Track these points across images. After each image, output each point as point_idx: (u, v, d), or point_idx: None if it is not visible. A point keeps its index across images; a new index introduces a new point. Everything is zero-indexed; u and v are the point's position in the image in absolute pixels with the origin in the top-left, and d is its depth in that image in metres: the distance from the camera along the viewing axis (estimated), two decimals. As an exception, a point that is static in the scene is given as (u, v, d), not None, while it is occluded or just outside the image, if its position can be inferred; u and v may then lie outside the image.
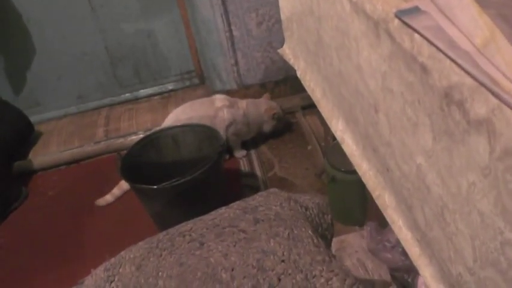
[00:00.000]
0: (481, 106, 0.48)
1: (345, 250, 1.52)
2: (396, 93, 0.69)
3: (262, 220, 0.99)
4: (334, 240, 1.53)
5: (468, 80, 0.49)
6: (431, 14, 0.59)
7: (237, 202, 1.08)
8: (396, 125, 0.72)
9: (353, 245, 1.53)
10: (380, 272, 1.40)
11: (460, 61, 0.50)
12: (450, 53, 0.52)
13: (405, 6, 0.63)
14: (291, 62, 1.38)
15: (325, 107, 1.16)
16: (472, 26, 0.53)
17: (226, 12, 2.09)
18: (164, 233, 1.04)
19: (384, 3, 0.67)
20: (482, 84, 0.47)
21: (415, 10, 0.61)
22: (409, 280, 1.18)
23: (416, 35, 0.59)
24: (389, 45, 0.67)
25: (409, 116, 0.66)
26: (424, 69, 0.58)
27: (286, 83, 2.30)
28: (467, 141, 0.52)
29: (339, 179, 1.51)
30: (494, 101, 0.46)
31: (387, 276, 1.35)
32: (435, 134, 0.60)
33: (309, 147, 2.04)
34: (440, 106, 0.56)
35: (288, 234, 0.94)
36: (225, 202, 1.08)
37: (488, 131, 0.47)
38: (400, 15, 0.62)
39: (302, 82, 1.30)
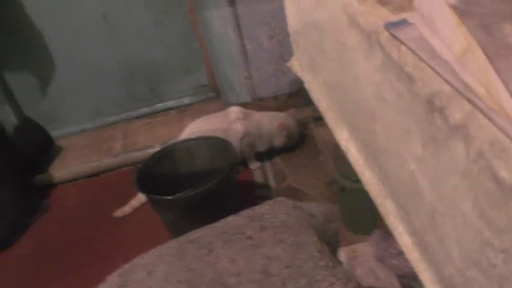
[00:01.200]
0: (457, 112, 0.51)
1: (357, 259, 1.53)
2: (389, 102, 0.71)
3: (268, 227, 1.02)
4: (346, 249, 1.55)
5: (446, 88, 0.52)
6: (417, 26, 0.62)
7: (245, 210, 1.11)
8: (391, 133, 0.75)
9: (364, 254, 1.54)
10: (391, 281, 1.41)
11: (439, 70, 0.53)
12: (431, 63, 0.55)
13: (393, 18, 0.66)
14: (299, 74, 1.41)
15: (330, 118, 1.19)
16: (452, 36, 0.56)
17: (238, 26, 2.14)
18: (174, 240, 1.08)
19: (375, 16, 0.70)
20: (457, 90, 0.50)
21: (403, 22, 0.64)
22: (416, 287, 1.19)
23: (403, 46, 0.62)
24: (380, 56, 0.70)
25: (401, 124, 0.69)
26: (410, 78, 0.61)
27: (299, 95, 2.33)
28: (449, 146, 0.55)
29: (349, 188, 1.53)
30: (468, 106, 0.49)
31: (398, 285, 1.36)
32: (424, 141, 0.63)
33: (321, 158, 2.07)
34: (425, 113, 0.59)
35: (293, 240, 0.97)
36: (238, 212, 1.11)
37: (464, 136, 0.50)
38: (388, 27, 0.65)
39: (309, 94, 1.34)
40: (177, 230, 1.68)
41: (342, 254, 1.50)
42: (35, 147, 2.37)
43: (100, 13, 2.37)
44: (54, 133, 2.54)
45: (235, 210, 1.15)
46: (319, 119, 2.22)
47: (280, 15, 2.09)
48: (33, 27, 2.35)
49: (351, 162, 1.10)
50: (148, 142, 2.41)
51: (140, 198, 1.99)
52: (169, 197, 1.57)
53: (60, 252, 1.88)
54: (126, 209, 2.00)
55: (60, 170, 2.33)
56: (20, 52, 2.41)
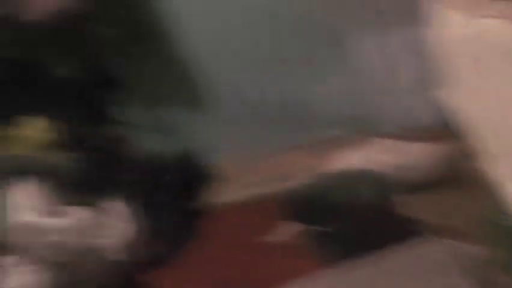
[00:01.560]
0: None
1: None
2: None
3: (417, 265, 1.00)
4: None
5: None
6: None
7: (395, 246, 1.11)
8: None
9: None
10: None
11: None
12: None
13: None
14: (450, 104, 1.37)
15: (484, 150, 1.14)
16: None
17: (384, 54, 2.10)
18: (325, 271, 1.11)
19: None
20: None
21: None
22: None
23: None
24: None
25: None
26: None
27: (452, 126, 2.22)
28: None
29: (507, 227, 1.42)
30: None
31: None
32: None
33: (476, 194, 1.95)
34: None
35: (442, 281, 0.94)
36: (389, 247, 1.11)
37: None
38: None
39: (461, 124, 1.29)
40: (328, 260, 1.70)
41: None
42: (192, 175, 2.54)
43: (256, 43, 2.46)
44: (210, 161, 2.67)
45: (385, 245, 1.15)
46: (473, 152, 2.10)
47: (428, 41, 2.04)
48: (189, 56, 2.51)
49: (507, 198, 1.04)
50: (300, 173, 2.45)
51: (293, 226, 2.03)
52: (322, 228, 1.61)
53: (214, 274, 1.97)
54: (279, 237, 2.04)
55: (214, 197, 2.46)
56: (174, 81, 2.57)
